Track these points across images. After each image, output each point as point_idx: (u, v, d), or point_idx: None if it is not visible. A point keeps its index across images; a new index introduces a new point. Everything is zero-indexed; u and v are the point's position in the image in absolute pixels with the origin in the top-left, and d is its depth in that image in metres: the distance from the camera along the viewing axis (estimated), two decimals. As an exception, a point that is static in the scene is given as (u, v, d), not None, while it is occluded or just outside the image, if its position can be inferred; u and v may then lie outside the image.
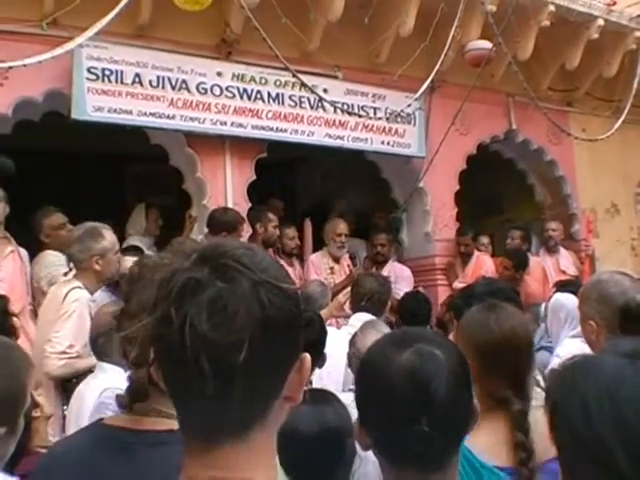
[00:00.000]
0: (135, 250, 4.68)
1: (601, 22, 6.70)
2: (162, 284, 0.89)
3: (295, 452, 1.77)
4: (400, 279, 6.05)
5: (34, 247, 4.64)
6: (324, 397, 2.00)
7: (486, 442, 1.68)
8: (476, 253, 6.49)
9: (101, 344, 2.73)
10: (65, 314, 3.51)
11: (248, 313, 0.84)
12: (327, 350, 3.52)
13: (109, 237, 3.77)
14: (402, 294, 5.42)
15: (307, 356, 0.93)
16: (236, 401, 0.85)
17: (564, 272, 6.66)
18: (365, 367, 1.33)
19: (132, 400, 1.41)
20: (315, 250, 6.03)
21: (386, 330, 3.33)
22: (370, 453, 1.59)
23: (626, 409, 0.99)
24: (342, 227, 5.97)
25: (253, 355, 0.83)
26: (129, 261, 4.03)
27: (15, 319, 3.27)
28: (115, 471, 1.32)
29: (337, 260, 5.94)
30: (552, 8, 6.31)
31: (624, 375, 1.03)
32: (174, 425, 1.33)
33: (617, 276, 2.61)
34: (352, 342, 3.26)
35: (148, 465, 1.30)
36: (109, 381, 2.31)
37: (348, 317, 4.32)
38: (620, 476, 0.97)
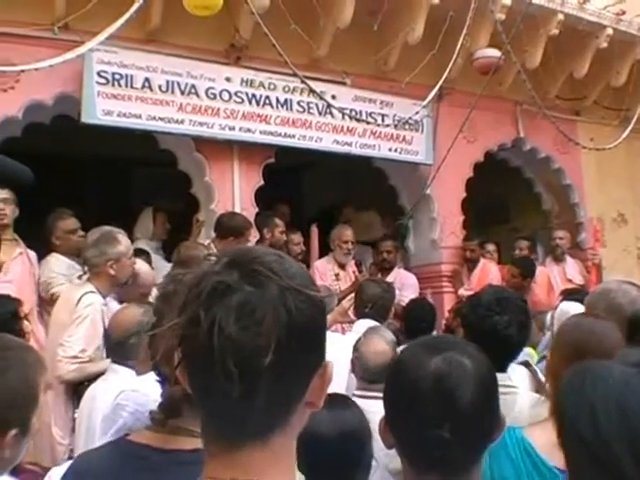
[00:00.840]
0: (141, 253, 4.69)
1: (610, 31, 6.70)
2: (192, 286, 0.90)
3: (315, 456, 1.78)
4: (406, 286, 6.04)
5: (44, 249, 4.65)
6: (342, 401, 2.02)
7: (549, 441, 1.64)
8: (482, 261, 6.48)
9: (131, 345, 2.67)
10: (78, 318, 3.52)
11: (275, 318, 0.85)
12: (331, 356, 3.53)
13: (124, 242, 3.80)
14: (407, 301, 5.43)
15: (330, 362, 0.95)
16: (260, 404, 0.86)
17: (570, 281, 6.65)
18: (396, 367, 1.36)
19: (165, 417, 1.40)
20: (322, 256, 6.03)
21: (390, 336, 3.34)
22: (383, 459, 1.60)
23: (633, 417, 1.00)
24: (348, 234, 5.98)
25: (278, 359, 0.84)
26: (138, 262, 4.06)
27: (26, 323, 3.29)
28: None
29: (342, 266, 5.95)
30: (561, 17, 6.31)
31: (632, 384, 1.04)
32: (201, 444, 1.35)
33: (625, 286, 2.62)
34: (355, 347, 3.27)
35: None
36: (122, 383, 2.31)
37: (352, 323, 4.33)
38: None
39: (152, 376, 1.49)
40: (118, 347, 2.80)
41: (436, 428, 1.19)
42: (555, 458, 1.62)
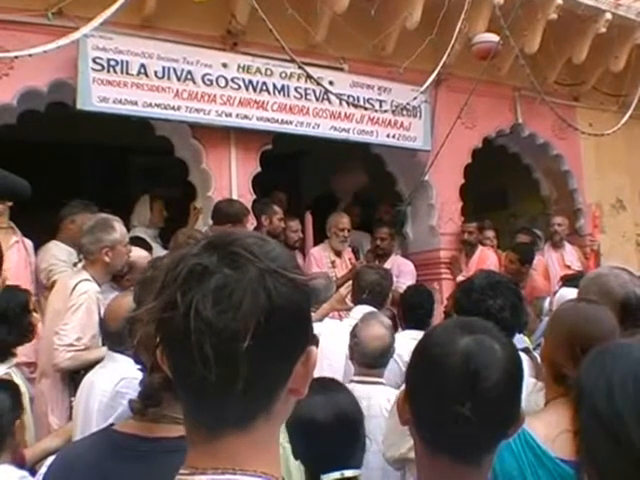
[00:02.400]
0: (141, 242, 4.67)
1: (609, 16, 6.66)
2: (169, 269, 0.88)
3: (312, 440, 1.77)
4: (403, 273, 6.04)
5: (41, 237, 4.63)
6: (335, 385, 2.02)
7: (550, 431, 1.65)
8: (480, 247, 6.47)
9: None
10: (73, 306, 3.51)
11: (254, 301, 0.83)
12: (329, 342, 3.53)
13: (119, 229, 3.79)
14: (404, 288, 5.41)
15: (314, 349, 0.92)
16: (239, 391, 0.84)
17: (569, 267, 6.65)
18: (425, 341, 1.34)
19: (145, 405, 1.38)
20: (317, 243, 6.02)
21: (387, 321, 3.34)
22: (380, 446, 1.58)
23: None
24: (345, 221, 5.96)
25: (257, 344, 0.82)
26: (135, 250, 4.04)
27: (36, 315, 3.28)
28: (129, 479, 1.30)
29: (339, 254, 5.94)
30: (560, 1, 6.26)
31: None
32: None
33: (616, 270, 2.67)
34: (353, 333, 3.26)
35: (162, 473, 1.27)
36: (123, 370, 2.30)
37: (350, 310, 4.33)
38: (636, 454, 0.97)
39: None
40: (115, 335, 2.78)
41: (457, 405, 1.18)
42: (557, 449, 1.62)
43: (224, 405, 0.85)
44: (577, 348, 1.71)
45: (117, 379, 2.35)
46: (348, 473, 1.71)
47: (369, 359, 3.14)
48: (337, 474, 1.68)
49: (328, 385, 1.95)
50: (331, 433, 1.79)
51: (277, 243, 0.94)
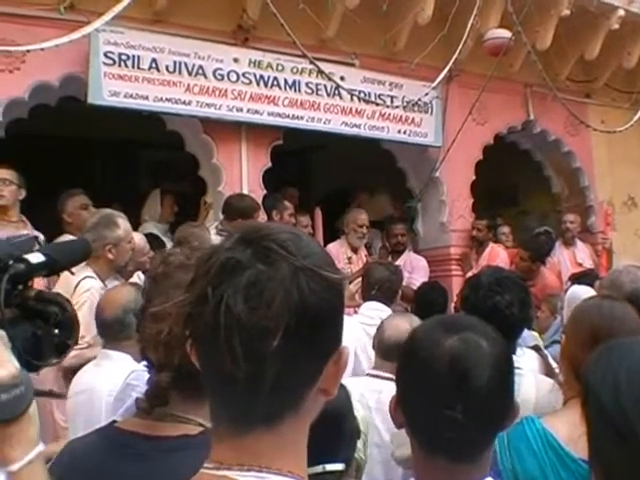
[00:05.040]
0: (152, 238, 4.67)
1: (622, 12, 6.59)
2: (201, 262, 0.87)
3: None
4: (416, 269, 6.04)
5: (52, 231, 4.64)
6: None
7: (572, 431, 1.63)
8: (490, 244, 6.44)
9: (128, 323, 2.54)
10: (76, 305, 3.47)
11: (286, 299, 0.81)
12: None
13: (123, 226, 3.74)
14: (418, 284, 5.40)
15: (346, 348, 0.90)
16: (267, 388, 0.83)
17: (581, 265, 6.60)
18: (411, 345, 1.33)
19: (151, 404, 1.35)
20: (326, 239, 6.01)
21: (416, 322, 3.32)
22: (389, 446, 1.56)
23: None
24: (363, 218, 5.96)
25: (288, 343, 0.81)
26: (138, 236, 4.03)
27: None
28: (129, 478, 1.29)
29: (355, 250, 5.93)
30: (572, -3, 6.23)
31: None
32: (190, 430, 1.31)
33: (631, 268, 2.67)
34: (380, 323, 3.24)
35: (163, 472, 1.26)
36: (122, 368, 2.27)
37: (359, 306, 4.32)
38: None
39: None
40: (111, 325, 2.73)
41: (449, 409, 1.17)
42: (580, 450, 1.59)
43: (252, 402, 0.84)
44: (600, 345, 1.70)
45: (126, 373, 2.33)
46: (330, 467, 1.70)
47: (382, 346, 3.13)
48: (319, 468, 1.66)
49: None
50: (313, 427, 1.79)
51: (311, 239, 0.92)
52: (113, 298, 2.81)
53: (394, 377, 2.99)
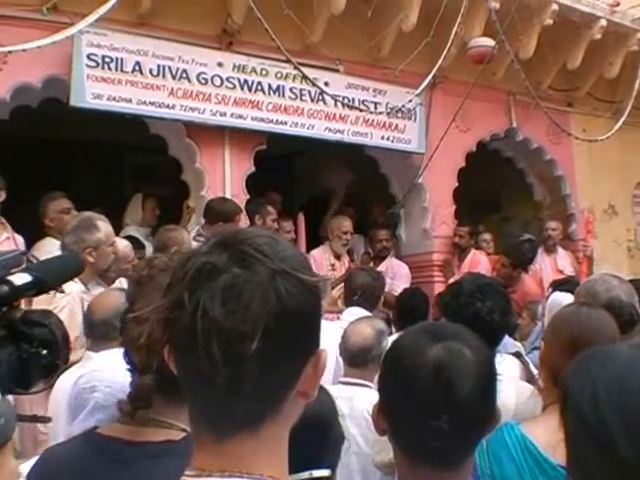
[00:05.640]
0: (132, 241, 4.64)
1: (604, 23, 6.68)
2: (178, 267, 0.87)
3: None
4: (398, 276, 6.05)
5: (32, 234, 4.60)
6: None
7: (551, 437, 1.63)
8: (472, 251, 6.47)
9: (114, 326, 2.54)
10: (56, 308, 3.43)
11: (263, 302, 0.81)
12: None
13: (104, 229, 3.68)
14: (400, 290, 5.41)
15: (324, 351, 0.91)
16: (247, 392, 0.82)
17: (561, 272, 6.65)
18: (394, 353, 1.32)
19: (134, 407, 1.35)
20: (309, 244, 6.01)
21: (379, 325, 3.33)
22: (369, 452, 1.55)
23: (632, 397, 1.00)
24: (348, 225, 5.97)
25: (266, 346, 0.81)
26: (122, 243, 3.99)
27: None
28: None
29: (338, 257, 5.94)
30: (555, 7, 6.28)
31: (636, 365, 1.04)
32: (173, 435, 1.31)
33: (606, 276, 2.71)
34: (344, 330, 3.25)
35: (145, 477, 1.26)
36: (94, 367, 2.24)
37: (341, 312, 4.32)
38: (620, 460, 0.97)
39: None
40: (101, 325, 2.71)
41: (434, 419, 1.17)
42: (558, 456, 1.59)
43: (231, 406, 0.84)
44: (579, 353, 1.71)
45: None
46: (317, 473, 1.69)
47: (348, 354, 3.14)
48: (306, 474, 1.66)
49: None
50: (299, 432, 1.78)
51: (288, 243, 0.92)
52: (104, 301, 2.79)
53: (364, 382, 3.00)
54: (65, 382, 2.76)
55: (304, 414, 1.78)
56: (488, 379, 1.26)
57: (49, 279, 1.25)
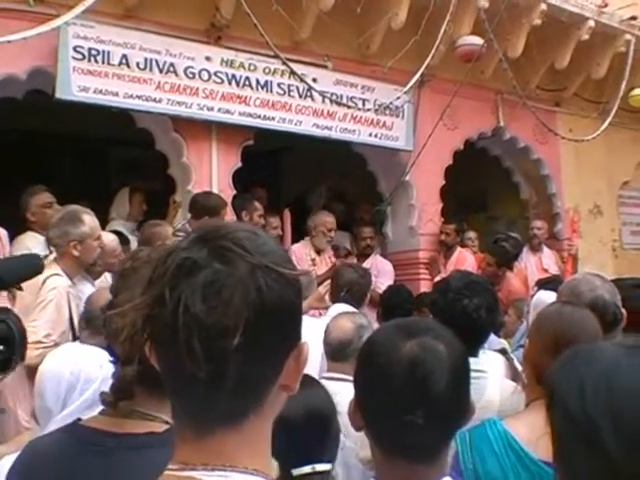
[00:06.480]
0: (119, 236, 4.60)
1: (592, 23, 6.72)
2: (158, 263, 0.86)
3: (283, 435, 1.76)
4: (382, 273, 6.05)
5: (17, 227, 4.56)
6: (306, 380, 1.99)
7: (533, 433, 1.65)
8: (458, 249, 6.49)
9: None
10: (42, 302, 3.39)
11: (244, 297, 0.81)
12: (305, 339, 3.51)
13: (89, 222, 3.63)
14: (384, 288, 5.41)
15: (306, 344, 0.91)
16: (229, 387, 0.82)
17: (546, 271, 6.69)
18: (368, 349, 1.33)
19: (117, 398, 1.35)
20: (295, 240, 6.00)
21: (360, 320, 3.32)
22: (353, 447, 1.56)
23: (619, 395, 1.00)
24: (332, 221, 5.95)
25: (248, 340, 0.81)
26: (109, 236, 3.96)
27: None
28: (95, 475, 1.28)
29: (319, 252, 5.93)
30: (544, 7, 6.31)
31: (623, 363, 1.04)
32: (155, 427, 1.31)
33: (589, 276, 2.70)
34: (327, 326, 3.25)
35: (128, 469, 1.26)
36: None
37: (327, 308, 4.31)
38: (608, 458, 0.97)
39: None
40: (97, 319, 2.70)
41: (409, 414, 1.18)
42: (540, 451, 1.62)
43: (214, 401, 0.84)
44: (562, 351, 1.72)
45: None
46: (319, 467, 1.70)
47: (329, 348, 3.14)
48: (308, 468, 1.67)
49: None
50: (301, 428, 1.79)
51: (269, 237, 0.92)
52: (97, 299, 2.77)
53: (346, 377, 2.99)
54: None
55: (306, 410, 1.79)
56: (462, 374, 1.27)
57: (6, 277, 1.25)
